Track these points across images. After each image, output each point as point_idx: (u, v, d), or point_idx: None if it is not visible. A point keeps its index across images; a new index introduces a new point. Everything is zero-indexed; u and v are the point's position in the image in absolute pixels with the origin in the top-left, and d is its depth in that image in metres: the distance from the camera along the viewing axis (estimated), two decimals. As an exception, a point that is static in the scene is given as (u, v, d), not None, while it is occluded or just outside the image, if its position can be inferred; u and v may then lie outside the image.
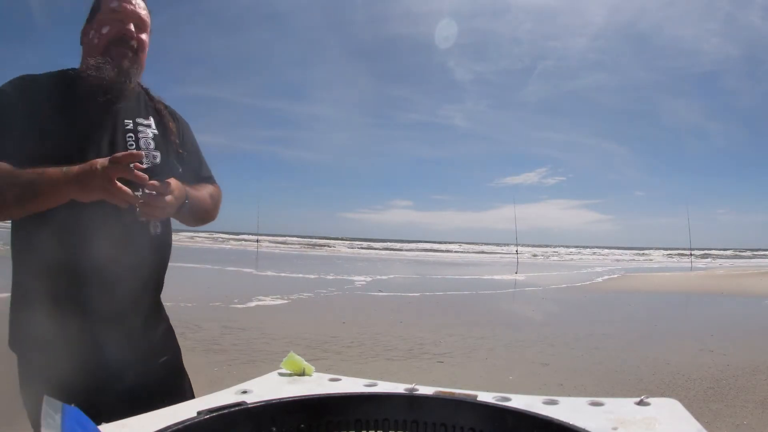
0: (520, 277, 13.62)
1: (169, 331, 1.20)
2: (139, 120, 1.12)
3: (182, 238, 36.80)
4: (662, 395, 0.67)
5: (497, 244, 40.22)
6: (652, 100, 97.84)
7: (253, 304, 6.48)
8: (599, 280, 13.15)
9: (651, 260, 29.75)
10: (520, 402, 0.65)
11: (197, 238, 37.18)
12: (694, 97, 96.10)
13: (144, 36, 1.12)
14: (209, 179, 1.31)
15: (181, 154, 1.19)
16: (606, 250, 38.31)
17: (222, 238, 38.97)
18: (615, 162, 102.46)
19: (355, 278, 10.88)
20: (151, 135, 1.12)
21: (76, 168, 0.91)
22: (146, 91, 1.20)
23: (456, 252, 34.83)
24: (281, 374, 0.85)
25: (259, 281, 10.46)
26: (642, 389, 3.27)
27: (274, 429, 0.60)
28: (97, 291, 1.00)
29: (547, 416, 0.58)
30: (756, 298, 8.81)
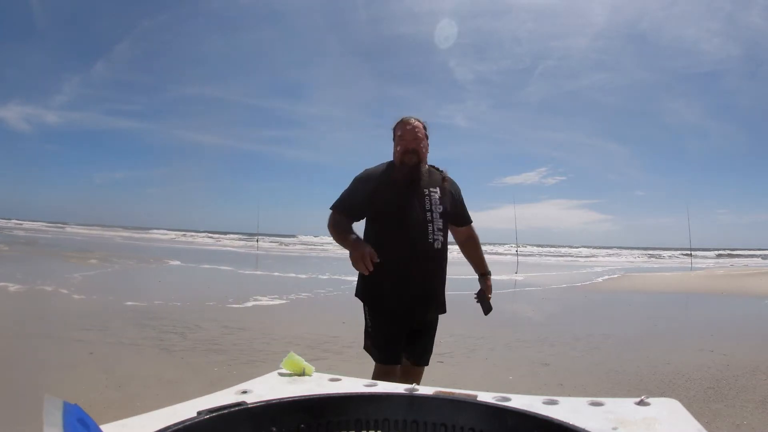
0: (519, 277, 13.62)
1: None
2: (431, 189, 2.03)
3: (182, 238, 36.83)
4: (662, 395, 0.67)
5: (497, 244, 40.16)
6: (653, 100, 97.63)
7: (251, 303, 6.48)
8: (599, 280, 13.15)
9: (651, 260, 29.75)
10: (520, 402, 0.65)
11: (197, 238, 37.18)
12: (694, 97, 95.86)
13: (422, 143, 2.04)
14: (468, 219, 2.27)
15: (454, 207, 2.14)
16: (606, 250, 38.30)
17: (222, 238, 38.96)
18: (615, 162, 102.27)
19: (355, 278, 10.85)
20: (437, 197, 2.03)
21: (352, 239, 1.93)
22: (436, 169, 2.14)
23: (456, 252, 34.74)
24: (281, 374, 0.85)
25: (260, 281, 10.46)
26: (642, 389, 3.27)
27: (274, 429, 0.60)
28: None
29: (547, 416, 0.58)
30: (756, 298, 8.82)
